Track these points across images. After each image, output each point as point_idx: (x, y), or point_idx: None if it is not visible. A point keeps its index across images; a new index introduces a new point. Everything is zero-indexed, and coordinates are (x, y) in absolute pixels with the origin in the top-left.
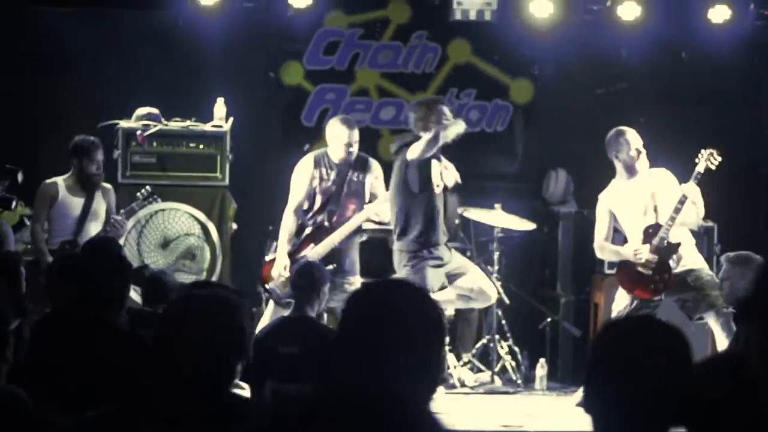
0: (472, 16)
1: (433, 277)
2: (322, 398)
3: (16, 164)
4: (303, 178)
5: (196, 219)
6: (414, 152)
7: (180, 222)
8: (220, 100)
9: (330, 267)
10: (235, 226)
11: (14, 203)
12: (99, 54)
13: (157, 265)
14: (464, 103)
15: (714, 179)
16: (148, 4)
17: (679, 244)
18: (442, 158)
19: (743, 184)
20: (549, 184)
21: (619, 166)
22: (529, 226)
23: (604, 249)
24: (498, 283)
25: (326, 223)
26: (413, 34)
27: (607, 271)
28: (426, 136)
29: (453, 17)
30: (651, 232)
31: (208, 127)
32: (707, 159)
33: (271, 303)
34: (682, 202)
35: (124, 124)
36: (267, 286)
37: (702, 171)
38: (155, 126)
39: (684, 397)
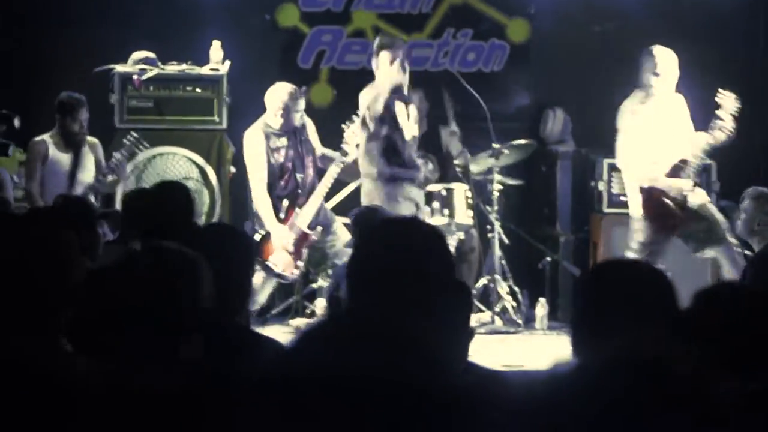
0: None
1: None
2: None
3: (14, 111)
4: (259, 152)
5: (194, 163)
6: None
7: (178, 166)
8: (216, 44)
9: (318, 229)
10: (233, 169)
11: (11, 149)
12: (94, 1)
13: None
14: (460, 43)
15: (711, 116)
16: None
17: (697, 183)
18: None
19: (740, 120)
20: (546, 124)
21: (645, 83)
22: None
23: (639, 171)
24: (497, 224)
25: (299, 190)
26: None
27: (606, 210)
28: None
29: None
30: (681, 166)
31: (204, 70)
32: (731, 103)
33: (260, 274)
34: (712, 138)
35: (120, 68)
36: (267, 263)
37: (730, 112)
38: (152, 70)
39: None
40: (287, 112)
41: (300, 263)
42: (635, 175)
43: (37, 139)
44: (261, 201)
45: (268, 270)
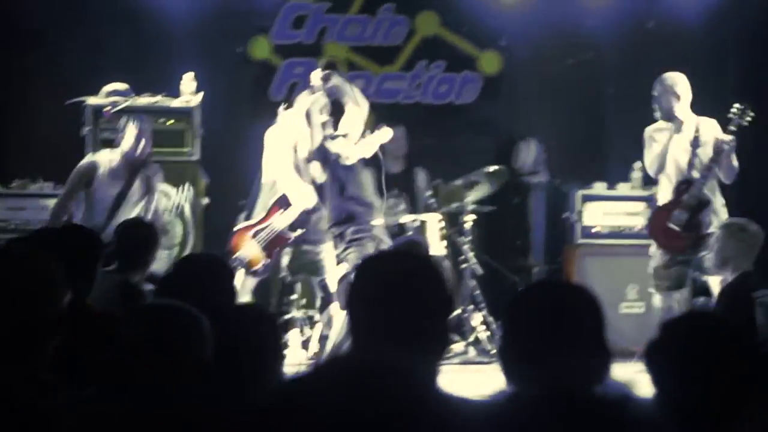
0: None
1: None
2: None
3: None
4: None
5: (167, 195)
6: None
7: None
8: (189, 75)
9: (299, 231)
10: (206, 200)
11: None
12: (65, 31)
13: None
14: (433, 75)
15: None
16: None
17: (709, 202)
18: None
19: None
20: (519, 155)
21: (658, 108)
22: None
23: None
24: (471, 254)
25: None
26: (381, 7)
27: (579, 241)
28: (359, 150)
29: None
30: (683, 189)
31: (177, 102)
32: (740, 115)
33: (241, 271)
34: (717, 154)
35: (92, 100)
36: (236, 255)
37: (735, 128)
38: (124, 101)
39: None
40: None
41: (267, 261)
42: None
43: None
44: (283, 171)
45: (240, 262)
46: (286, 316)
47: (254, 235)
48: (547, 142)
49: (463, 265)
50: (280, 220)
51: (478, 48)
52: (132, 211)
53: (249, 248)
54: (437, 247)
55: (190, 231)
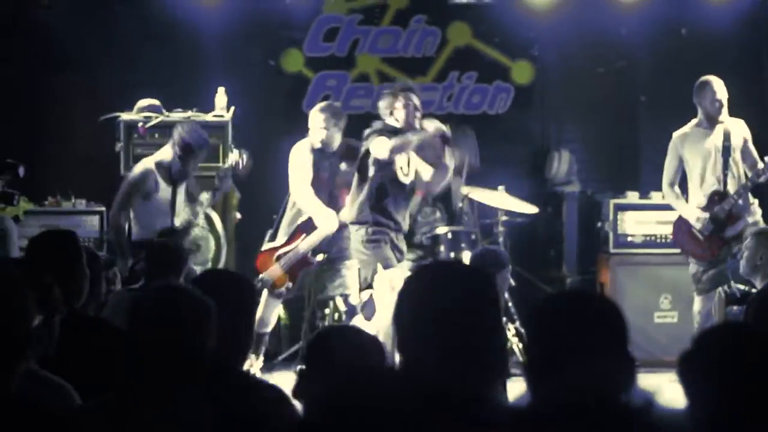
0: None
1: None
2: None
3: (18, 160)
4: (302, 162)
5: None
6: (380, 152)
7: (184, 213)
8: (221, 90)
9: (320, 257)
10: (239, 215)
11: (16, 198)
12: (99, 48)
13: None
14: (465, 85)
15: None
16: None
17: (739, 217)
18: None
19: None
20: (552, 165)
21: (700, 113)
22: (531, 209)
23: (667, 195)
24: None
25: None
26: (412, 18)
27: (612, 251)
28: (393, 142)
29: (452, 0)
30: (716, 200)
31: (209, 117)
32: None
33: (265, 292)
34: (758, 176)
35: (125, 116)
36: (260, 276)
37: None
38: (157, 117)
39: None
40: (327, 129)
41: (290, 285)
42: (668, 200)
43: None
44: (304, 197)
45: (264, 283)
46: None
47: (278, 258)
48: (580, 152)
49: None
50: (304, 245)
51: (510, 58)
52: (182, 218)
53: (273, 270)
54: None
55: (222, 246)
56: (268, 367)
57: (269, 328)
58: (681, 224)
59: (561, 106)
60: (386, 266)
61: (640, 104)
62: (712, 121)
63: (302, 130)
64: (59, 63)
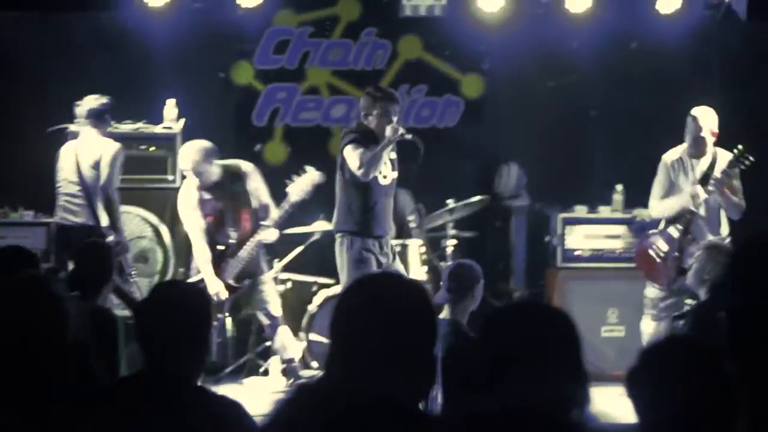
0: (423, 11)
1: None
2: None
3: None
4: (193, 206)
5: (148, 222)
6: (355, 166)
7: (132, 225)
8: (171, 102)
9: (245, 282)
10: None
11: None
12: (46, 58)
13: None
14: (415, 99)
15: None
16: (94, 6)
17: (695, 240)
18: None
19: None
20: (501, 178)
21: (689, 141)
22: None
23: (659, 207)
24: None
25: (229, 240)
26: (363, 31)
27: (560, 265)
28: (362, 160)
29: (403, 13)
30: (688, 218)
31: (158, 129)
32: (740, 156)
33: None
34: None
35: (74, 127)
36: None
37: (738, 166)
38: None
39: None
40: (198, 170)
41: (221, 316)
42: (656, 214)
43: None
44: (199, 257)
45: None
46: (267, 343)
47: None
48: (529, 166)
49: None
50: (227, 275)
51: (461, 71)
52: None
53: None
54: (418, 272)
55: (170, 258)
56: (215, 379)
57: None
58: (641, 252)
59: (511, 120)
60: None
61: (590, 118)
62: (697, 152)
63: (251, 142)
64: (7, 72)
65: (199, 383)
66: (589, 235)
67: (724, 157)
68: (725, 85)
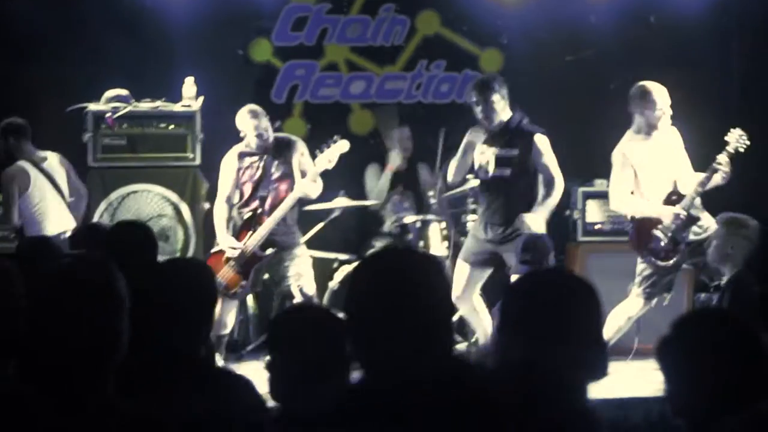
0: None
1: None
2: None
3: None
4: (229, 171)
5: (168, 200)
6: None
7: (152, 203)
8: (189, 80)
9: (270, 251)
10: (207, 205)
11: None
12: (66, 38)
13: None
14: (434, 74)
15: (686, 144)
16: None
17: (698, 218)
18: None
19: (713, 148)
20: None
21: (639, 121)
22: None
23: (626, 203)
24: None
25: (260, 210)
26: (381, 7)
27: (581, 239)
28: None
29: None
30: (674, 199)
31: (177, 107)
32: (737, 140)
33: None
34: (709, 177)
35: (93, 107)
36: None
37: (732, 150)
38: (124, 108)
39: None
40: (260, 134)
41: (245, 282)
42: (626, 209)
43: None
44: (216, 213)
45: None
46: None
47: (227, 260)
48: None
49: None
50: (251, 242)
51: (479, 47)
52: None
53: (224, 273)
54: (439, 248)
55: (191, 236)
56: (236, 357)
57: (228, 330)
58: (644, 225)
59: (530, 95)
60: None
61: (609, 92)
62: (651, 129)
63: (270, 120)
64: (25, 53)
65: (220, 359)
66: (609, 209)
67: (674, 134)
68: (745, 57)
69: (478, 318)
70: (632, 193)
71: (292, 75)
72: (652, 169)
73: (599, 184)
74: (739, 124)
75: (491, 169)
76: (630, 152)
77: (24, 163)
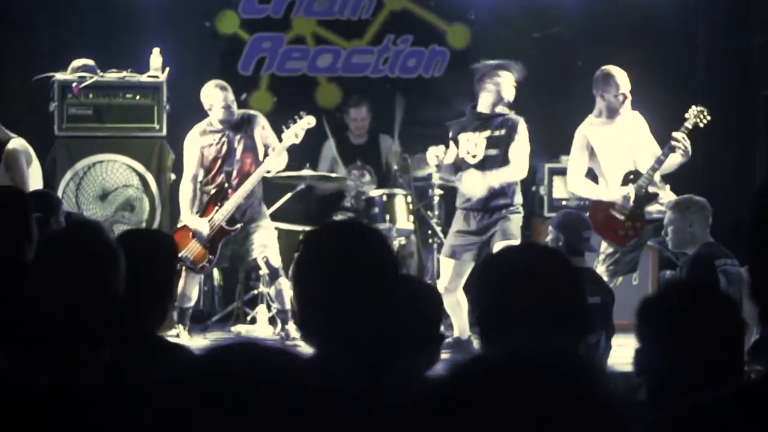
0: None
1: None
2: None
3: None
4: (193, 149)
5: (134, 170)
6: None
7: (118, 173)
8: (156, 51)
9: (238, 226)
10: (173, 176)
11: None
12: (32, 7)
13: (96, 217)
14: (401, 49)
15: (652, 121)
16: None
17: (656, 195)
18: None
19: (679, 123)
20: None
21: (601, 104)
22: None
23: (581, 185)
24: (438, 228)
25: (226, 184)
26: None
27: (547, 215)
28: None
29: None
30: (631, 179)
31: (144, 77)
32: (697, 116)
33: (183, 270)
34: (666, 153)
35: (59, 76)
36: (180, 254)
37: (690, 127)
38: (91, 78)
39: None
40: (227, 107)
41: (213, 258)
42: (583, 192)
43: None
44: (181, 192)
45: (185, 261)
46: (255, 291)
47: (194, 235)
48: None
49: (431, 240)
50: (218, 216)
51: (447, 22)
52: None
53: (191, 247)
54: (404, 222)
55: (157, 207)
56: (201, 328)
57: (192, 303)
58: (599, 206)
59: None
60: None
61: (576, 69)
62: (613, 113)
63: (237, 92)
64: None
65: (184, 330)
66: None
67: (637, 118)
68: (710, 34)
69: (460, 312)
70: (591, 176)
71: (259, 47)
72: (613, 152)
73: (565, 161)
74: (703, 100)
75: (481, 152)
76: (591, 135)
77: (20, 139)
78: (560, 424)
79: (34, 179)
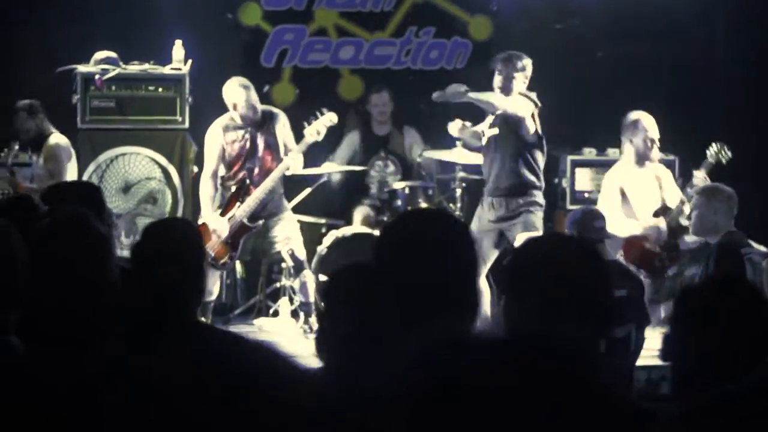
0: None
1: None
2: None
3: None
4: (214, 145)
5: (157, 163)
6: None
7: (141, 166)
8: (178, 43)
9: (259, 222)
10: (195, 169)
11: None
12: (53, 0)
13: (119, 210)
14: (423, 41)
15: (670, 116)
16: None
17: (687, 228)
18: None
19: (698, 118)
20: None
21: (630, 150)
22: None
23: (616, 225)
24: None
25: (248, 181)
26: None
27: (570, 207)
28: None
29: None
30: (660, 213)
31: (166, 70)
32: (718, 153)
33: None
34: (692, 188)
35: (82, 68)
36: None
37: (714, 163)
38: (114, 70)
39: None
40: (251, 105)
41: (235, 254)
42: (619, 231)
43: None
44: (201, 189)
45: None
46: (277, 284)
47: (214, 231)
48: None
49: None
50: (240, 213)
51: (469, 13)
52: None
53: (212, 243)
54: None
55: (179, 199)
56: (224, 320)
57: (213, 296)
58: (633, 241)
59: None
60: None
61: (597, 60)
62: (642, 159)
63: (259, 84)
64: (15, 14)
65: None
66: (597, 177)
67: (662, 167)
68: (731, 29)
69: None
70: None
71: (282, 39)
72: (644, 193)
73: (588, 153)
74: (721, 97)
75: (487, 130)
76: (622, 178)
77: (61, 135)
78: (557, 413)
79: (71, 176)
